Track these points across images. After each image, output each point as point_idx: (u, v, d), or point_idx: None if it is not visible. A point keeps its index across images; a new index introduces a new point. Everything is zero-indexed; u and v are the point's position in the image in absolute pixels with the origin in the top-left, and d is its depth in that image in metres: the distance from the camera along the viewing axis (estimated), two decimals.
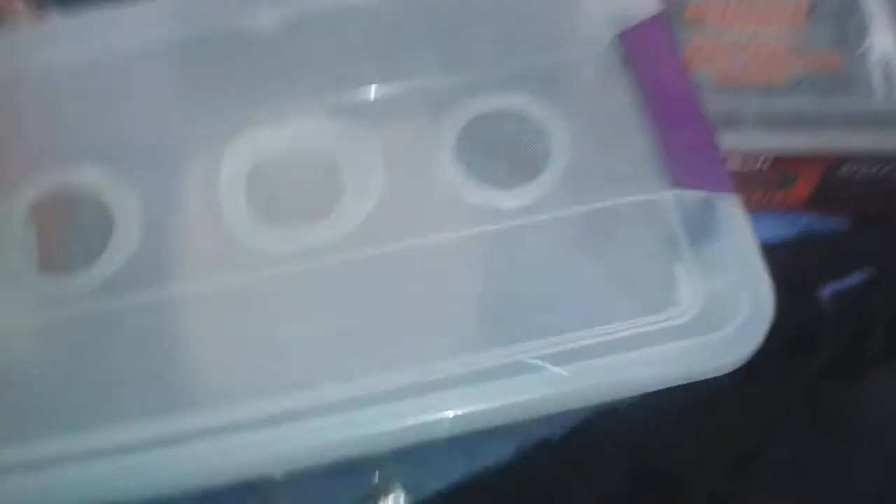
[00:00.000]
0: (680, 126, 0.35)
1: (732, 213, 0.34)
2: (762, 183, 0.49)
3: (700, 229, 0.33)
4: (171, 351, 0.33)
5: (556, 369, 0.31)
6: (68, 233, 0.36)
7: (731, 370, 0.31)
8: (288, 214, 0.35)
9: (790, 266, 0.51)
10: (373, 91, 0.37)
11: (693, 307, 0.32)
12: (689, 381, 0.31)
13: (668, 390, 0.33)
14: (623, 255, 0.34)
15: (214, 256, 0.34)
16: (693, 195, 0.34)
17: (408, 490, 0.44)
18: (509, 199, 0.35)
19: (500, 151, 0.37)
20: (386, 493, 0.48)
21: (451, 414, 0.30)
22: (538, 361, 0.31)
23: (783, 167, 0.48)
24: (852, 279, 0.52)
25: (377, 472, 0.44)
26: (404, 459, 0.40)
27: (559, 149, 0.36)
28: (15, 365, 0.33)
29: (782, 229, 0.54)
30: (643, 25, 0.37)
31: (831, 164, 0.48)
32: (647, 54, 0.37)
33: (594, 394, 0.31)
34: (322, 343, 0.32)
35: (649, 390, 0.31)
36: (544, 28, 0.38)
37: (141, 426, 0.31)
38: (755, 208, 0.50)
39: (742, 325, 0.31)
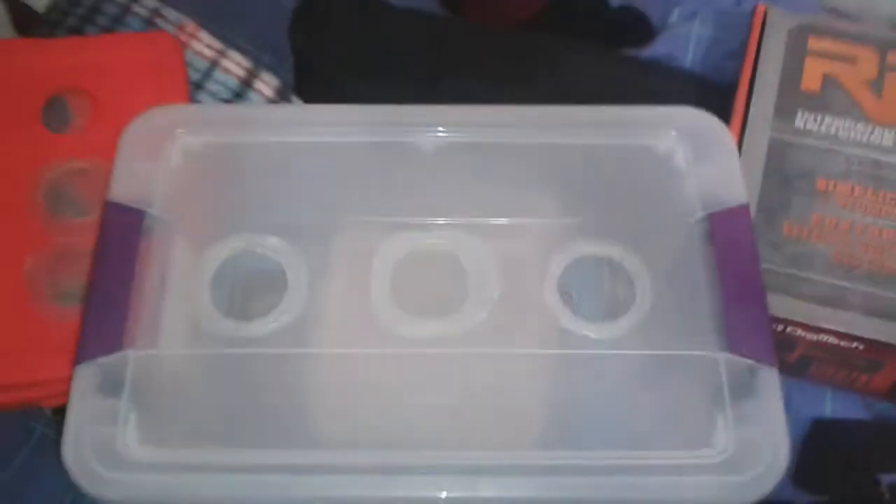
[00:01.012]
0: (742, 301, 0.43)
1: (770, 382, 0.42)
2: (849, 363, 0.55)
3: (742, 390, 0.42)
4: (309, 398, 0.42)
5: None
6: (253, 289, 0.45)
7: None
8: (420, 308, 0.44)
9: (858, 444, 0.57)
10: (504, 219, 0.46)
11: (725, 451, 0.40)
12: None
13: None
14: (676, 397, 0.42)
15: (359, 330, 0.44)
16: (742, 361, 0.42)
17: None
18: (594, 332, 0.44)
19: (594, 291, 0.45)
20: None
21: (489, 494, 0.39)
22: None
23: (874, 352, 0.53)
24: None
25: None
26: None
27: (642, 299, 0.44)
28: (188, 384, 0.43)
29: (859, 411, 0.60)
30: (731, 211, 0.46)
31: None
32: (729, 235, 0.45)
33: None
34: (430, 416, 0.41)
35: None
36: (650, 197, 0.47)
37: (270, 454, 0.40)
38: (838, 386, 0.57)
39: (760, 474, 0.39)
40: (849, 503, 0.56)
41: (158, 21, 0.70)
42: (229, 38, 0.69)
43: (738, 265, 0.44)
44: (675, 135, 0.48)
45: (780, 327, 0.54)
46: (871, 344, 0.54)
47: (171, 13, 0.70)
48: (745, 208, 0.46)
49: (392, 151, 0.48)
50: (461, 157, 0.48)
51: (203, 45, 0.69)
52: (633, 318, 0.44)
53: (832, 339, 0.54)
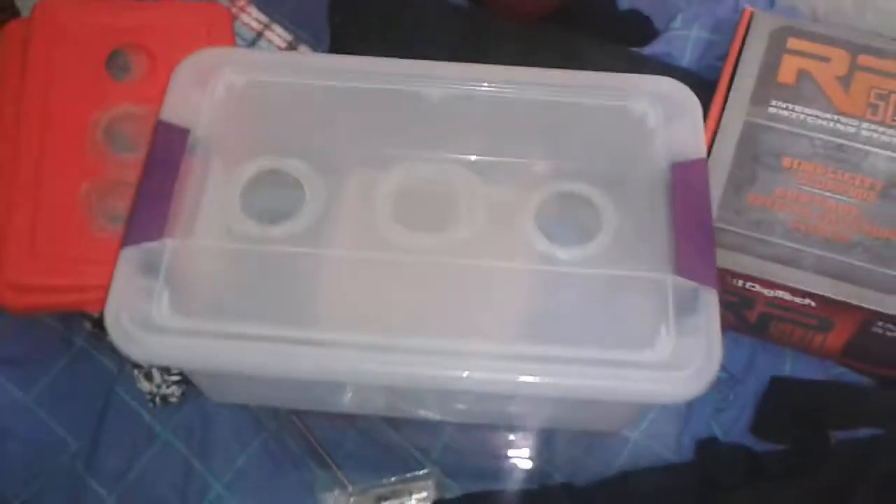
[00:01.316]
0: (692, 235, 0.50)
1: (710, 301, 0.48)
2: (804, 323, 0.61)
3: (685, 306, 0.48)
4: (317, 289, 0.50)
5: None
6: (276, 199, 0.53)
7: (678, 401, 0.46)
8: (417, 223, 0.52)
9: (813, 403, 0.63)
10: (492, 157, 0.54)
11: (664, 353, 0.47)
12: (650, 402, 0.46)
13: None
14: (629, 309, 0.49)
15: (363, 237, 0.51)
16: (687, 283, 0.49)
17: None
18: (564, 254, 0.51)
19: (566, 222, 0.53)
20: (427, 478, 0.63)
21: (482, 376, 0.46)
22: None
23: (825, 310, 0.59)
24: (864, 432, 0.64)
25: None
26: None
27: (606, 229, 0.51)
28: (215, 271, 0.51)
29: (816, 372, 0.66)
30: (691, 162, 0.53)
31: (866, 319, 0.59)
32: (687, 182, 0.52)
33: (578, 390, 0.46)
34: (414, 307, 0.49)
35: (616, 399, 0.46)
36: (622, 150, 0.54)
37: (279, 328, 0.47)
38: (796, 348, 0.63)
39: (692, 374, 0.46)
40: (801, 453, 0.62)
41: None
42: (274, 14, 0.78)
43: (692, 206, 0.51)
44: (649, 99, 0.55)
45: (739, 282, 0.61)
46: (821, 300, 0.60)
47: None
48: (702, 161, 0.53)
49: (403, 98, 0.56)
50: (462, 107, 0.56)
51: (251, 17, 0.78)
52: (597, 244, 0.51)
53: (787, 296, 0.60)
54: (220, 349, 0.47)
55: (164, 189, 0.51)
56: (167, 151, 0.52)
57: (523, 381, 0.46)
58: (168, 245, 0.50)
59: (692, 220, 0.51)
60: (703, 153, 0.53)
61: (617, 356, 0.46)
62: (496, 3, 0.81)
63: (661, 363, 0.46)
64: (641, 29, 0.83)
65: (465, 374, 0.46)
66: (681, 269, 0.49)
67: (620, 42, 0.78)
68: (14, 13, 0.75)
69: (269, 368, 0.47)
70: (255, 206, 0.53)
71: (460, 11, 0.80)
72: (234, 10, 0.76)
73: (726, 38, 0.73)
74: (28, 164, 0.65)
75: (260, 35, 0.76)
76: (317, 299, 0.49)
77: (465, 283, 0.50)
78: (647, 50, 0.78)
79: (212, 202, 0.52)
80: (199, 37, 0.70)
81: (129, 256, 0.49)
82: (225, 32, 0.71)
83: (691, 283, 0.48)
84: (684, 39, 0.79)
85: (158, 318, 0.48)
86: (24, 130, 0.65)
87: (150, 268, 0.49)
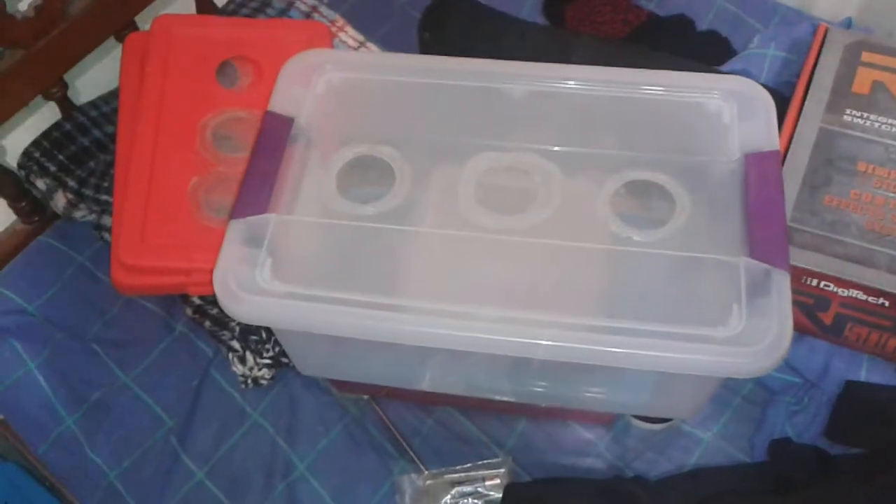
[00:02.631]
0: (764, 220, 0.52)
1: (781, 283, 0.49)
2: (879, 325, 0.62)
3: (757, 288, 0.50)
4: (403, 262, 0.54)
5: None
6: (365, 181, 0.57)
7: (748, 376, 0.47)
8: (497, 206, 0.55)
9: (888, 407, 0.63)
10: (568, 148, 0.57)
11: (735, 330, 0.48)
12: (721, 375, 0.47)
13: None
14: (701, 288, 0.51)
15: (447, 217, 0.55)
16: (759, 265, 0.50)
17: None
18: (637, 235, 0.53)
19: (643, 208, 0.55)
20: (500, 466, 0.65)
21: (556, 344, 0.48)
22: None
23: None
24: None
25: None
26: None
27: (680, 214, 0.54)
28: (313, 244, 0.55)
29: (891, 378, 0.66)
30: (763, 153, 0.55)
31: None
32: (759, 171, 0.54)
33: (652, 361, 0.48)
34: (493, 282, 0.52)
35: (689, 371, 0.48)
36: (697, 143, 0.56)
37: (371, 295, 0.51)
38: (871, 353, 0.63)
39: (764, 348, 0.47)
40: (874, 454, 0.62)
41: (315, 15, 0.86)
42: (370, 35, 0.84)
43: (765, 194, 0.53)
44: (723, 96, 0.58)
45: (814, 282, 0.62)
46: (895, 300, 0.60)
47: (325, 10, 0.85)
48: (775, 153, 0.54)
49: (488, 95, 0.60)
50: (543, 103, 0.59)
51: (349, 36, 0.84)
52: (671, 228, 0.53)
53: (861, 295, 0.61)
54: (314, 311, 0.50)
55: (269, 170, 0.56)
56: (273, 138, 0.57)
57: (597, 351, 0.48)
58: (272, 219, 0.54)
59: (764, 206, 0.52)
60: (776, 146, 0.55)
61: (690, 331, 0.48)
62: (577, 23, 0.85)
63: (733, 339, 0.48)
64: (719, 48, 0.85)
65: (542, 342, 0.49)
66: (753, 252, 0.51)
67: (699, 61, 0.81)
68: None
69: (356, 330, 0.51)
70: (350, 187, 0.57)
71: (542, 29, 0.84)
72: (333, 29, 0.82)
73: (802, 58, 0.75)
74: (142, 159, 0.71)
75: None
76: (402, 272, 0.53)
77: (542, 261, 0.53)
78: (726, 67, 0.81)
79: (311, 183, 0.56)
80: (300, 50, 0.75)
81: (237, 228, 0.54)
82: (324, 47, 0.77)
83: (763, 266, 0.50)
84: (761, 58, 0.81)
85: (261, 282, 0.52)
86: (141, 129, 0.72)
87: (254, 239, 0.53)
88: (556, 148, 0.57)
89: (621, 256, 0.53)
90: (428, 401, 0.67)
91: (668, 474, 0.65)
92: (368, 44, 0.81)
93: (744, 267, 0.50)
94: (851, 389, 0.65)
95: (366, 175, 0.58)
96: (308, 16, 0.84)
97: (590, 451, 0.67)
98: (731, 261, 0.51)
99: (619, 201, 0.55)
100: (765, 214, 0.52)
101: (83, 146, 0.79)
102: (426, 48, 0.81)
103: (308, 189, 0.56)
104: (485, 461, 0.66)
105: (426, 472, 0.66)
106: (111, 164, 0.76)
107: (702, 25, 0.87)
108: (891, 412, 0.63)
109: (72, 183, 0.76)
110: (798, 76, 0.72)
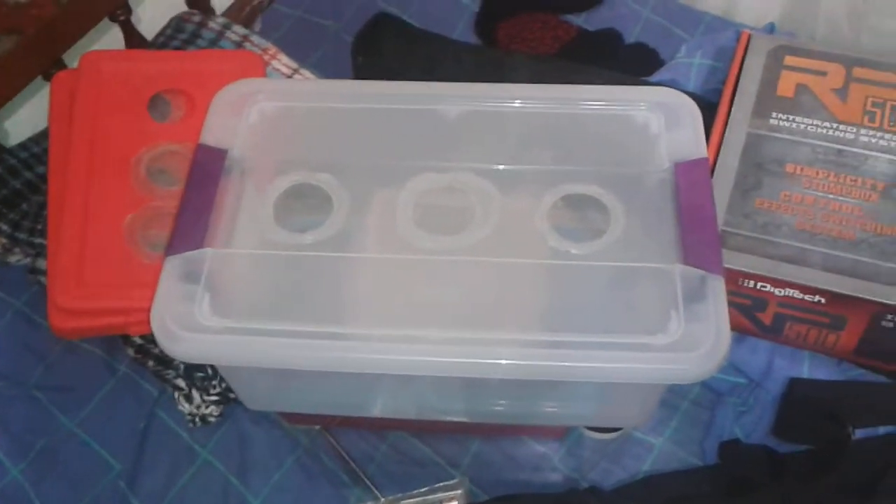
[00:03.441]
0: (697, 226, 0.53)
1: (716, 288, 0.50)
2: (817, 321, 0.63)
3: (693, 293, 0.51)
4: (344, 289, 0.53)
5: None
6: (303, 210, 0.57)
7: (691, 381, 0.48)
8: (436, 227, 0.55)
9: (832, 402, 0.65)
10: (504, 166, 0.58)
11: (674, 336, 0.49)
12: (664, 382, 0.48)
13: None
14: (639, 297, 0.52)
15: (387, 241, 0.55)
16: (694, 271, 0.51)
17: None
18: (575, 249, 0.54)
19: (578, 222, 0.56)
20: (457, 488, 0.65)
21: (503, 363, 0.49)
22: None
23: (835, 307, 0.62)
24: (883, 429, 0.65)
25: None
26: None
27: (615, 226, 0.54)
28: (251, 276, 0.55)
29: (833, 374, 0.68)
30: (692, 162, 0.56)
31: (876, 313, 0.61)
32: (690, 181, 0.55)
33: (596, 373, 0.48)
34: (435, 303, 0.52)
35: (632, 380, 0.49)
36: (628, 154, 0.57)
37: (315, 325, 0.50)
38: (812, 349, 0.65)
39: (704, 353, 0.48)
40: (822, 451, 0.63)
41: (247, 45, 0.85)
42: (303, 60, 0.84)
43: (695, 200, 0.54)
44: (650, 107, 0.59)
45: (751, 283, 0.63)
46: (831, 297, 0.62)
47: (257, 39, 0.85)
48: (704, 160, 0.56)
49: (424, 116, 0.60)
50: (478, 122, 0.60)
51: (282, 64, 0.83)
52: (607, 240, 0.54)
53: (797, 294, 0.62)
54: (256, 345, 0.50)
55: (203, 204, 0.55)
56: (206, 171, 0.57)
57: (539, 366, 0.49)
58: (208, 254, 0.53)
59: (696, 213, 0.53)
60: (704, 153, 0.56)
61: (631, 340, 0.49)
62: (509, 41, 0.86)
63: (673, 345, 0.49)
64: (648, 60, 0.87)
65: (487, 361, 0.49)
66: (687, 258, 0.52)
67: (629, 73, 0.83)
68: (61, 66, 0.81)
69: (301, 361, 0.50)
70: (288, 217, 0.57)
71: (475, 49, 0.85)
72: (265, 57, 0.81)
73: (728, 65, 0.77)
74: (75, 198, 0.69)
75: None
76: (345, 298, 0.53)
77: (484, 279, 0.53)
78: (654, 78, 0.82)
79: (247, 215, 0.56)
80: (232, 81, 0.75)
81: (173, 264, 0.53)
82: (257, 76, 0.76)
83: (698, 271, 0.51)
84: (688, 67, 0.83)
85: (200, 318, 0.51)
86: (73, 168, 0.71)
87: (191, 274, 0.53)
88: (493, 166, 0.57)
89: (561, 270, 0.53)
90: (381, 426, 0.67)
91: (623, 482, 0.65)
92: (302, 70, 0.81)
93: (679, 274, 0.51)
94: (795, 387, 0.66)
95: (304, 203, 0.58)
96: (239, 45, 0.83)
97: (545, 466, 0.67)
98: (667, 268, 0.52)
99: (556, 216, 0.56)
100: (696, 221, 0.53)
101: (14, 189, 0.77)
102: (360, 73, 0.82)
103: (245, 221, 0.56)
104: (441, 483, 0.66)
105: (383, 500, 0.66)
106: (44, 206, 0.75)
107: (630, 38, 0.89)
108: (834, 407, 0.64)
109: (4, 227, 0.75)
110: (724, 83, 0.74)
